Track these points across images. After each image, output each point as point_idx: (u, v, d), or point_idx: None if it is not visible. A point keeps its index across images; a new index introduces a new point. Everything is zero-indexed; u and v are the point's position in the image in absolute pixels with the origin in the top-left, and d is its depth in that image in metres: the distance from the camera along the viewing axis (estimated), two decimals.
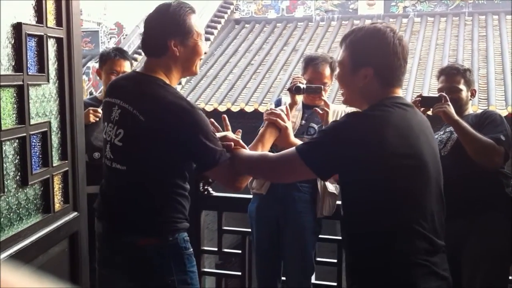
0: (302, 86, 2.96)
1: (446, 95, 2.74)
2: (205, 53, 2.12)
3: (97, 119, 3.24)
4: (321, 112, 3.00)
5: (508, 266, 2.77)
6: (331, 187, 2.99)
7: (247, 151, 2.04)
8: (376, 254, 1.73)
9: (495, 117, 2.78)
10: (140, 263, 1.99)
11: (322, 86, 3.00)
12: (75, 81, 2.25)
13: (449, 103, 2.69)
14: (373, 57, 1.77)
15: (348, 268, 1.87)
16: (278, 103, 3.27)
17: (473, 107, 7.75)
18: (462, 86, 2.87)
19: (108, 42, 14.02)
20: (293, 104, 3.01)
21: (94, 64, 11.62)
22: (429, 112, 2.82)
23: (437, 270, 1.74)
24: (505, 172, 2.79)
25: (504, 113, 8.18)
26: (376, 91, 1.78)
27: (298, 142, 2.13)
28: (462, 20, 12.23)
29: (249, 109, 9.86)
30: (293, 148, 1.82)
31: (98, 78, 4.15)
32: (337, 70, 1.89)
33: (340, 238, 3.29)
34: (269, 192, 3.03)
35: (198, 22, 2.08)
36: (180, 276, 2.01)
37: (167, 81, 2.03)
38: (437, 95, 2.77)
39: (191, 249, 2.05)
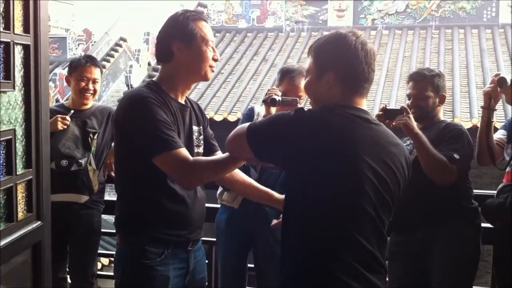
0: (277, 98, 2.94)
1: (407, 108, 2.74)
2: (215, 59, 2.12)
3: (65, 126, 3.21)
4: None
5: (473, 272, 2.81)
6: None
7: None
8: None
9: (455, 133, 2.77)
10: None
11: (298, 99, 3.00)
12: (42, 88, 2.21)
13: (410, 115, 2.70)
14: (333, 60, 1.72)
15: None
16: (250, 112, 3.25)
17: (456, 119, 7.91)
18: (429, 93, 2.85)
19: (76, 48, 13.88)
20: (267, 116, 3.00)
21: (61, 71, 11.48)
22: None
23: None
24: (465, 184, 2.84)
25: (468, 125, 8.35)
26: (336, 98, 1.72)
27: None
28: (429, 33, 12.48)
29: (218, 118, 9.87)
30: (245, 125, 1.79)
31: (65, 84, 4.13)
32: (305, 80, 1.84)
33: None
34: (241, 206, 3.00)
35: (205, 28, 2.09)
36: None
37: (167, 86, 2.09)
38: (399, 108, 2.79)
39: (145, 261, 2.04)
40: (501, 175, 2.90)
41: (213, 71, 2.16)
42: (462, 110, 9.14)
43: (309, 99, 1.89)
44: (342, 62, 1.71)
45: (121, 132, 2.09)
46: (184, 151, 1.94)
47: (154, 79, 2.16)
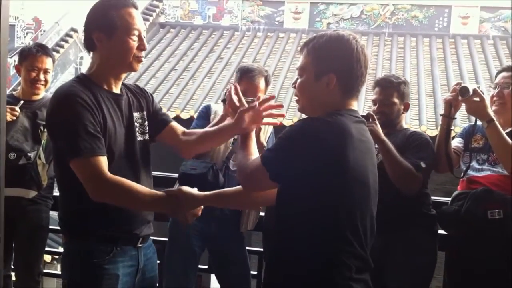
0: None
1: (373, 114, 2.77)
2: (141, 49, 2.02)
3: (14, 117, 3.08)
4: None
5: (429, 279, 2.84)
6: None
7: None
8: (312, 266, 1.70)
9: (421, 141, 2.81)
10: None
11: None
12: (0, 77, 2.10)
13: (377, 122, 2.72)
14: (336, 63, 1.73)
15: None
16: (206, 110, 3.19)
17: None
18: (395, 100, 2.88)
19: (25, 37, 13.50)
20: (225, 115, 2.95)
21: (8, 60, 11.10)
22: None
23: None
24: (425, 191, 2.87)
25: None
26: (336, 101, 1.75)
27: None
28: (382, 40, 12.67)
29: (170, 115, 9.72)
30: (257, 160, 1.78)
31: (12, 73, 3.96)
32: (300, 78, 1.81)
33: (261, 250, 3.27)
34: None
35: (130, 16, 1.98)
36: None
37: (97, 78, 2.01)
38: (365, 114, 2.79)
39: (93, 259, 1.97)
40: (446, 181, 2.94)
41: (140, 61, 2.06)
42: (411, 117, 9.29)
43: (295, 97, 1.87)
44: (344, 65, 1.73)
45: (50, 132, 2.05)
46: (100, 160, 1.87)
47: (84, 71, 2.09)
